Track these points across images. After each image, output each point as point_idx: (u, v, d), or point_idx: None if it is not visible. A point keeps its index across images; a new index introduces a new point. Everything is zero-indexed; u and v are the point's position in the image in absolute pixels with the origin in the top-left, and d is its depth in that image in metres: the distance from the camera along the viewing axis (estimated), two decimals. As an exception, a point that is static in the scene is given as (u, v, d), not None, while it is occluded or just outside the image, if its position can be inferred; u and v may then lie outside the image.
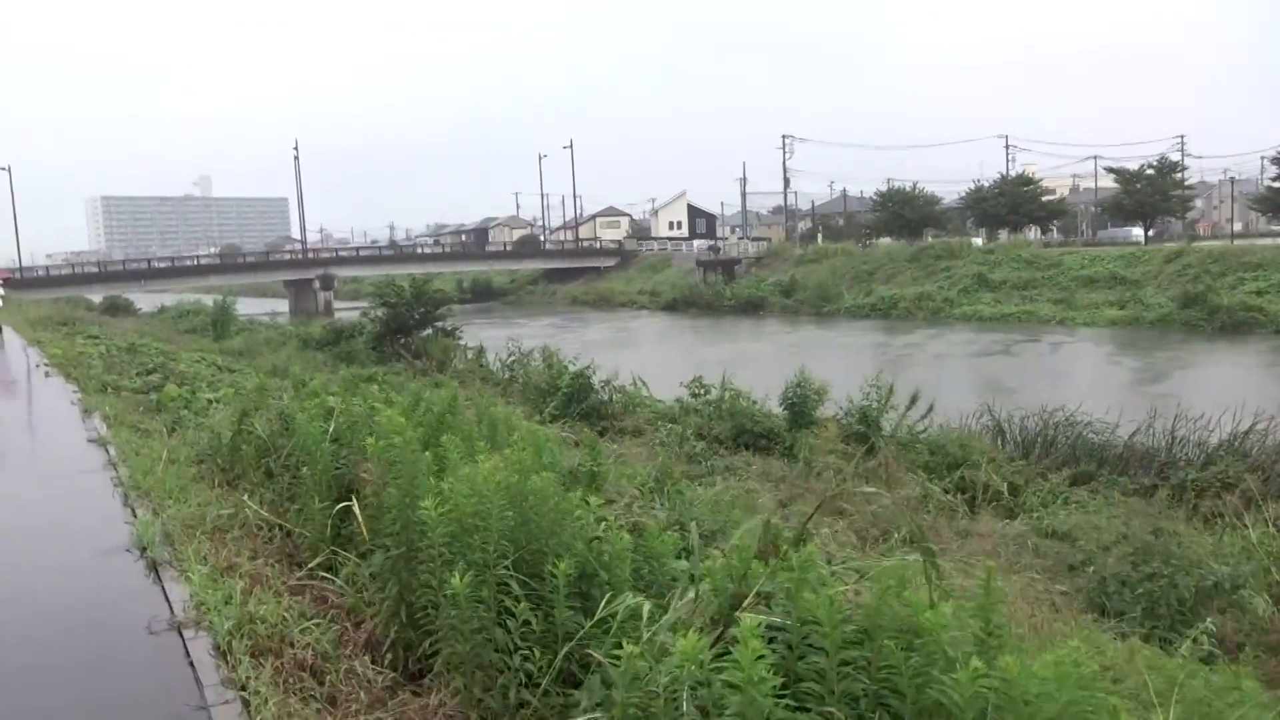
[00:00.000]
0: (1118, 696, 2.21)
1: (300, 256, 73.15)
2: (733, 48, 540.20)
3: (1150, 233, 62.89)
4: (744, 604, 2.30)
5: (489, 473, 3.42)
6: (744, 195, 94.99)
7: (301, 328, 33.80)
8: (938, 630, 2.04)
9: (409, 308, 26.71)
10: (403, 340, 26.36)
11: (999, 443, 15.06)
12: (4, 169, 70.71)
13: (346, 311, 44.70)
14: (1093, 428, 14.62)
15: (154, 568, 4.72)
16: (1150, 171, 60.39)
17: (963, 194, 71.85)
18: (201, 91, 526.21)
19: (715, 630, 2.33)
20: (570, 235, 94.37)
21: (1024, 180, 67.33)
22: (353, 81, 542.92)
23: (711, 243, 77.69)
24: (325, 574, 4.57)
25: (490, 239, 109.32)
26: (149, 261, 75.03)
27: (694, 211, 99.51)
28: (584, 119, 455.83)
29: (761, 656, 2.03)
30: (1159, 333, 38.30)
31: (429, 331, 27.00)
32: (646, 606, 3.27)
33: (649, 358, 29.53)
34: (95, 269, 70.22)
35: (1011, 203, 64.66)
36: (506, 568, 3.31)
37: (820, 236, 76.61)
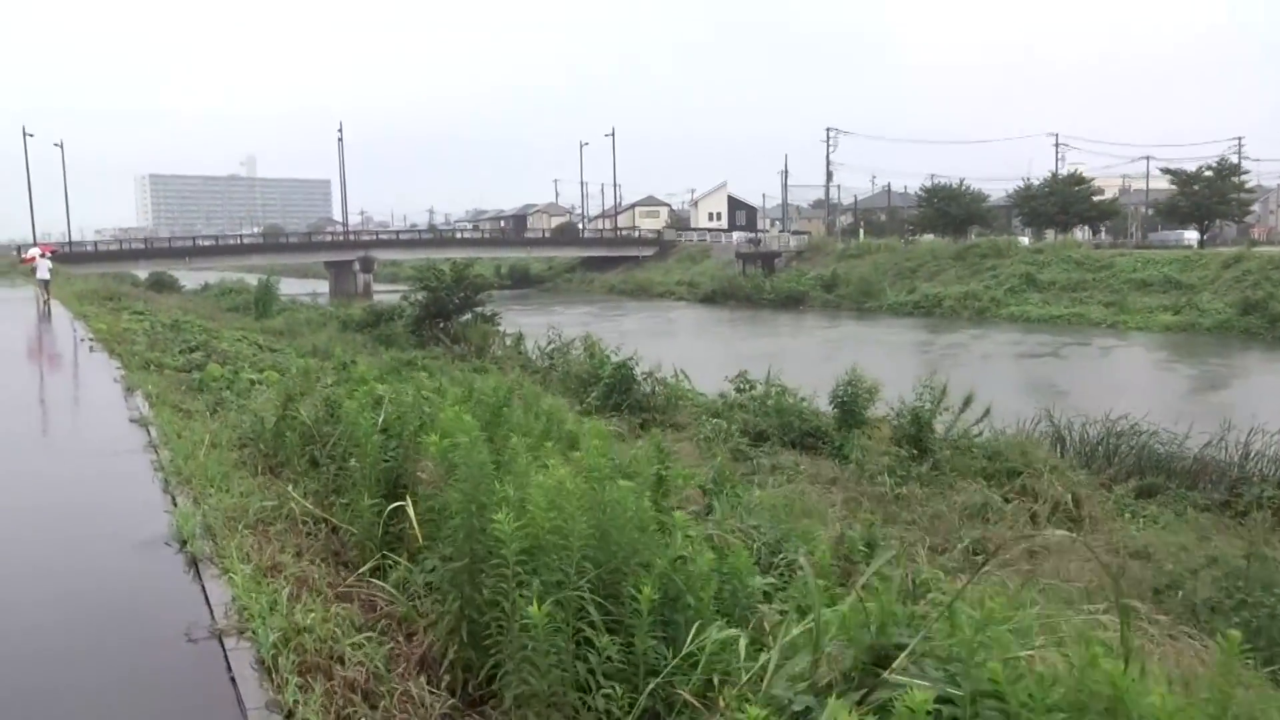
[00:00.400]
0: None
1: (341, 238, 73.56)
2: (778, 47, 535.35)
3: (1205, 237, 60.99)
4: (894, 664, 1.90)
5: (568, 482, 3.05)
6: (785, 187, 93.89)
7: (342, 309, 33.79)
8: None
9: (449, 292, 26.54)
10: (441, 325, 26.16)
11: (1059, 450, 14.44)
12: (57, 145, 72.02)
13: (385, 295, 44.73)
14: (1159, 438, 13.97)
15: (194, 564, 4.44)
16: (1209, 173, 58.49)
17: (1009, 192, 70.34)
18: (243, 86, 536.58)
19: (855, 692, 1.93)
20: (609, 224, 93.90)
21: (1076, 179, 65.60)
22: (400, 73, 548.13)
23: (752, 235, 76.61)
24: (373, 578, 4.26)
25: (529, 225, 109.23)
26: (194, 239, 75.83)
27: (734, 203, 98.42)
28: (630, 108, 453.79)
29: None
30: (1215, 340, 36.98)
31: (468, 317, 26.81)
32: (743, 642, 2.90)
33: (688, 350, 29.02)
34: (142, 245, 71.36)
35: (1062, 202, 63.13)
36: (585, 590, 2.95)
37: (862, 231, 75.38)
